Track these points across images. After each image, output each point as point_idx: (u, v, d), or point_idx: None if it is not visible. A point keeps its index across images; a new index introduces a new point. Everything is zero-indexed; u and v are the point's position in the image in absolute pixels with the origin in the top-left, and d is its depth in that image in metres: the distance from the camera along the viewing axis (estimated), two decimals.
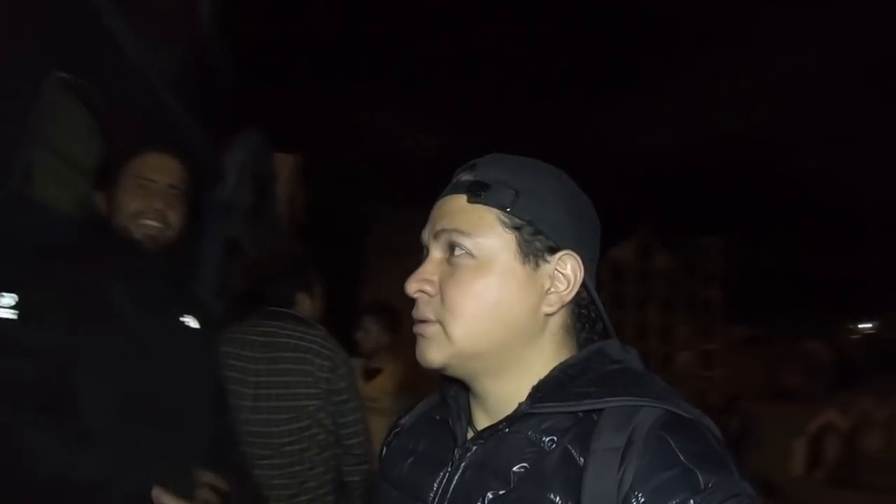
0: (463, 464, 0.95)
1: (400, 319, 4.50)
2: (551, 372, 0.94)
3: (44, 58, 2.86)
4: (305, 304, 3.05)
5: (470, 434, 1.00)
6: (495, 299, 0.93)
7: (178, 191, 1.91)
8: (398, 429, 1.17)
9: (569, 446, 0.86)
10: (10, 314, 1.55)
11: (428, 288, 0.96)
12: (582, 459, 0.84)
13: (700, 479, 0.79)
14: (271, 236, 11.47)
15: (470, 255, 0.94)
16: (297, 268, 3.14)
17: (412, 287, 0.97)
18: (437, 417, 1.09)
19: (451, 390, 1.05)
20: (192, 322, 1.91)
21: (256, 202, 11.14)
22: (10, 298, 1.57)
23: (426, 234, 1.00)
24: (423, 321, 0.96)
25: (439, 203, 1.01)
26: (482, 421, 0.99)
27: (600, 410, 0.87)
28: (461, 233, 0.94)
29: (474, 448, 0.95)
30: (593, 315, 1.03)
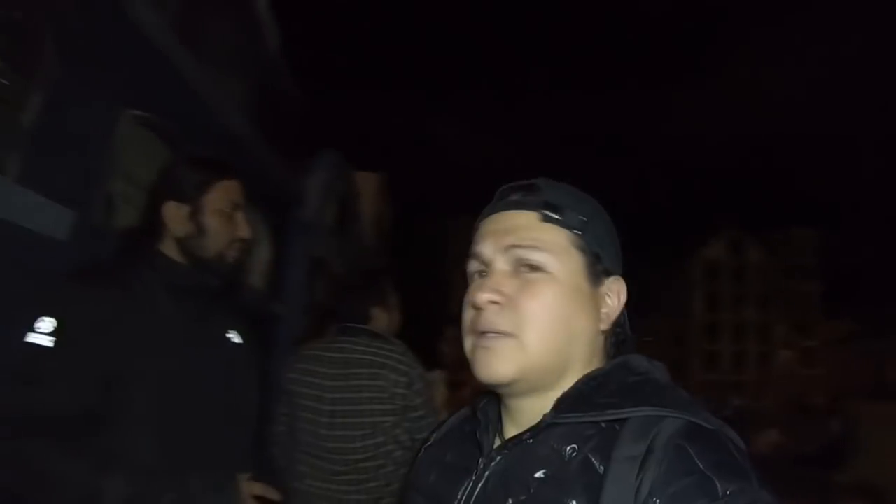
0: (487, 473, 0.98)
1: None
2: (575, 384, 0.98)
3: (118, 96, 3.02)
4: (381, 319, 3.05)
5: (496, 444, 1.04)
6: (567, 313, 0.98)
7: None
8: (429, 442, 1.22)
9: (590, 455, 0.89)
10: (48, 341, 1.56)
11: (501, 300, 0.98)
12: (602, 467, 0.86)
13: (718, 486, 0.80)
14: (357, 252, 11.70)
15: (544, 270, 0.99)
16: (370, 282, 3.13)
17: (485, 297, 0.98)
18: (467, 429, 1.14)
19: (481, 403, 1.11)
20: (235, 337, 1.96)
21: (340, 220, 11.40)
22: (48, 324, 1.58)
23: (489, 248, 1.03)
24: (497, 333, 0.98)
25: (499, 217, 1.05)
26: (511, 431, 1.03)
27: (623, 421, 0.89)
28: (538, 249, 0.99)
29: (498, 458, 0.99)
30: (622, 336, 1.07)
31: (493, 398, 1.09)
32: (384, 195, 17.24)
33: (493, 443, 1.05)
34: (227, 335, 1.94)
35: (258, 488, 1.75)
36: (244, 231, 1.87)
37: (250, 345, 2.03)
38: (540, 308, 0.97)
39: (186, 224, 1.81)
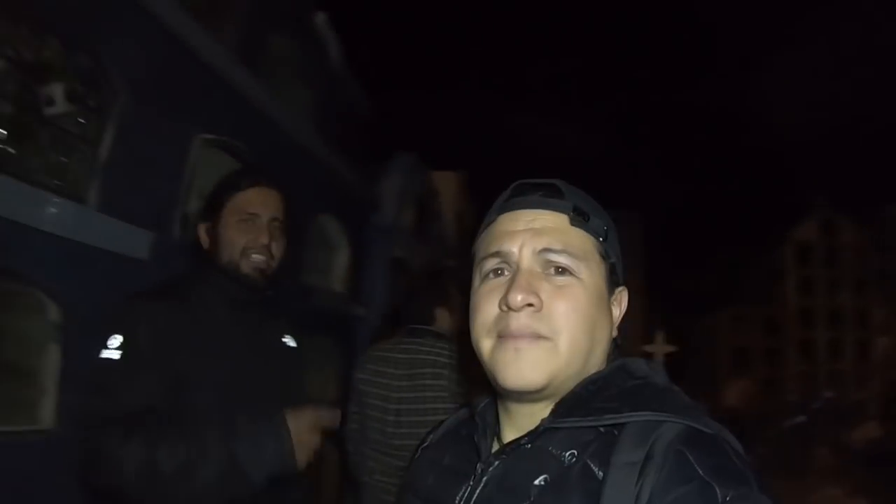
0: (485, 478, 0.96)
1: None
2: (574, 388, 0.95)
3: (188, 123, 3.25)
4: (445, 319, 3.11)
5: (495, 448, 1.00)
6: (594, 319, 0.96)
7: (279, 223, 2.00)
8: (425, 444, 1.19)
9: (588, 460, 0.87)
10: (116, 354, 1.73)
11: (537, 302, 0.93)
12: (601, 473, 0.84)
13: (718, 492, 0.77)
14: (436, 253, 11.85)
15: (573, 274, 0.96)
16: (434, 283, 3.19)
17: (522, 298, 0.92)
18: (464, 433, 1.10)
19: (478, 407, 1.07)
20: (290, 341, 2.05)
21: (419, 221, 11.58)
22: (116, 340, 1.74)
23: (516, 247, 0.97)
24: (533, 336, 0.93)
25: (524, 215, 1.00)
26: (510, 436, 1.00)
27: (621, 425, 0.87)
28: (571, 255, 0.96)
29: (496, 462, 0.96)
30: (619, 342, 1.05)
31: (491, 401, 1.05)
32: (465, 193, 17.31)
33: (490, 447, 1.01)
34: (283, 339, 2.04)
35: (324, 417, 1.78)
36: (263, 238, 1.93)
37: (305, 348, 2.14)
38: (574, 313, 0.94)
39: (208, 239, 1.95)
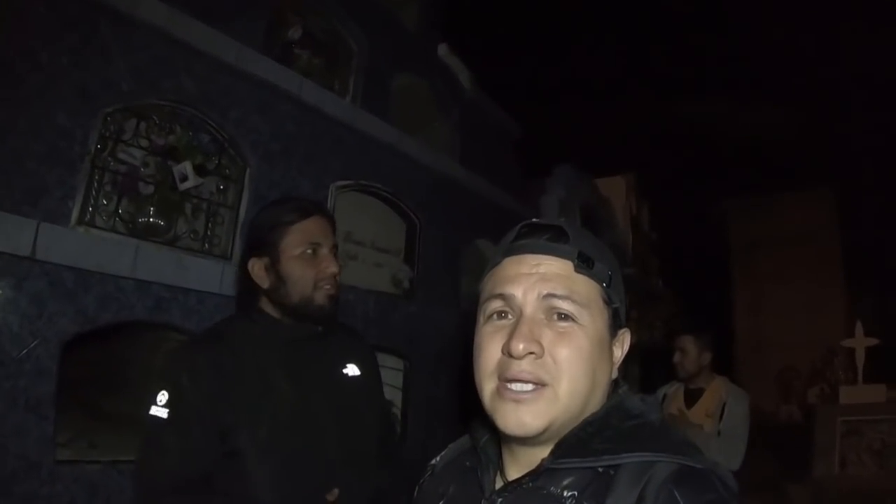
0: None
1: (715, 336, 4.35)
2: (573, 429, 0.98)
3: (323, 174, 3.51)
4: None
5: (498, 484, 1.04)
6: (594, 365, 0.99)
7: (337, 249, 1.94)
8: (430, 472, 1.23)
9: (586, 502, 0.90)
10: (163, 412, 1.68)
11: (538, 350, 0.97)
12: None
13: None
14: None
15: (576, 321, 0.99)
16: None
17: (524, 347, 0.96)
18: (467, 464, 1.14)
19: (481, 441, 1.10)
20: (353, 370, 1.97)
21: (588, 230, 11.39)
22: (162, 396, 1.69)
23: (520, 291, 1.00)
24: (537, 384, 0.97)
25: (530, 259, 1.03)
26: (512, 472, 1.04)
27: (618, 466, 0.91)
28: (574, 302, 0.99)
29: (499, 500, 0.99)
30: (618, 380, 1.09)
31: (493, 435, 1.09)
32: (636, 196, 16.74)
33: (493, 481, 1.05)
34: (344, 370, 1.96)
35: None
36: (332, 267, 1.87)
37: (369, 376, 2.04)
38: (576, 359, 0.97)
39: (268, 276, 1.86)
